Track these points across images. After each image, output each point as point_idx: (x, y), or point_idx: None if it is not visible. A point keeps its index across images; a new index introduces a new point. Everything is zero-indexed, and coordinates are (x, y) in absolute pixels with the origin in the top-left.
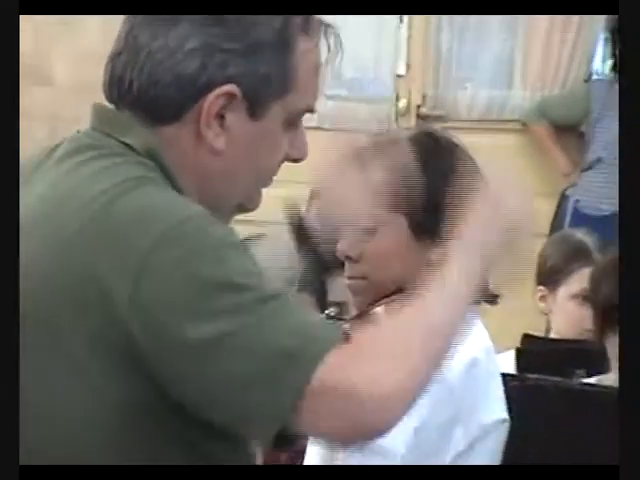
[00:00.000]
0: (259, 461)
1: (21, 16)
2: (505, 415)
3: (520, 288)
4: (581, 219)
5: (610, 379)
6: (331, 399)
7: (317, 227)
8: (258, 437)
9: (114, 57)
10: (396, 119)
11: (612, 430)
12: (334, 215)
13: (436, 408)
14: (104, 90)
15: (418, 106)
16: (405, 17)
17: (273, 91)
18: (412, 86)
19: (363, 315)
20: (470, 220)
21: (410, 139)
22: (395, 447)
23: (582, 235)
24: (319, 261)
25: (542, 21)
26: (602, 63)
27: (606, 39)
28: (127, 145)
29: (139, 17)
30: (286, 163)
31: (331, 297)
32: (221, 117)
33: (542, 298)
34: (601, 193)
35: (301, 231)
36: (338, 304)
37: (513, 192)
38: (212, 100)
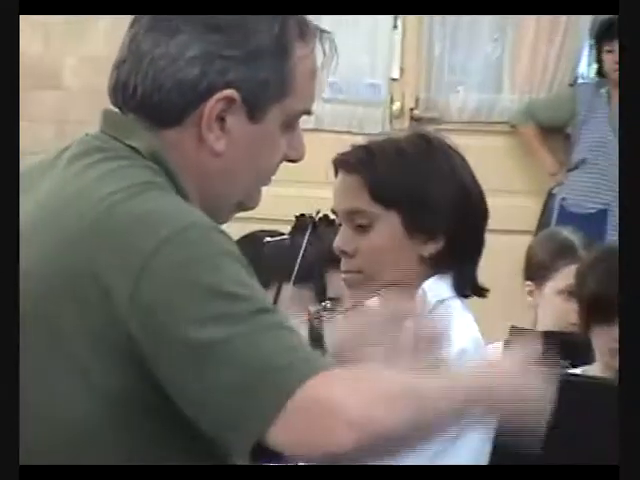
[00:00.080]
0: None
1: (32, 21)
2: None
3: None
4: (567, 217)
5: (594, 369)
6: (309, 416)
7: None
8: (235, 447)
9: (119, 64)
10: (390, 121)
11: (596, 417)
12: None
13: None
14: (109, 95)
15: (411, 109)
16: (399, 23)
17: (271, 95)
18: (406, 89)
19: (356, 307)
20: (498, 368)
21: (404, 140)
22: None
23: (568, 233)
24: (319, 256)
25: (530, 28)
26: (587, 67)
27: (591, 45)
28: (133, 148)
29: (142, 26)
30: (285, 163)
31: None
32: (221, 120)
33: (530, 293)
34: (586, 192)
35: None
36: (333, 299)
37: (536, 382)
38: (213, 104)
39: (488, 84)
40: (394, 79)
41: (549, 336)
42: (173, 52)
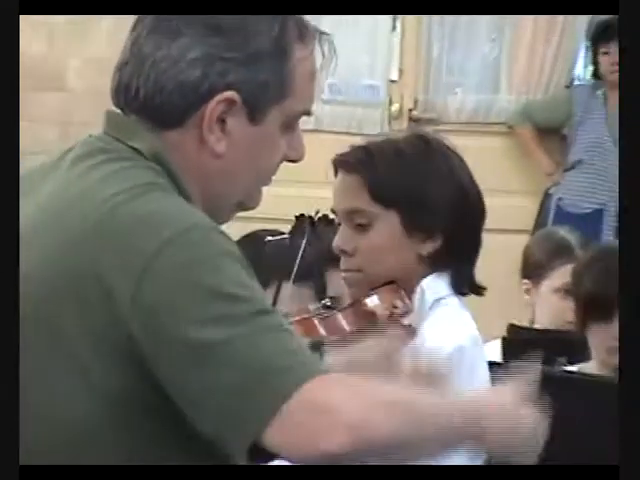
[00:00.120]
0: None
1: (36, 23)
2: None
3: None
4: (563, 216)
5: (590, 367)
6: (305, 419)
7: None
8: (232, 447)
9: (121, 67)
10: (389, 122)
11: (592, 412)
12: None
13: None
14: (112, 97)
15: (410, 110)
16: (398, 26)
17: (271, 97)
18: (404, 91)
19: (355, 304)
20: (494, 399)
21: (403, 141)
22: None
23: (564, 232)
24: (319, 255)
25: (527, 29)
26: (583, 69)
27: (587, 47)
28: (135, 149)
29: (144, 28)
30: (285, 163)
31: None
32: (222, 122)
33: (527, 291)
34: (582, 192)
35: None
36: (333, 298)
37: (529, 417)
38: (213, 106)
39: (485, 85)
40: (393, 81)
41: (546, 333)
42: (174, 54)
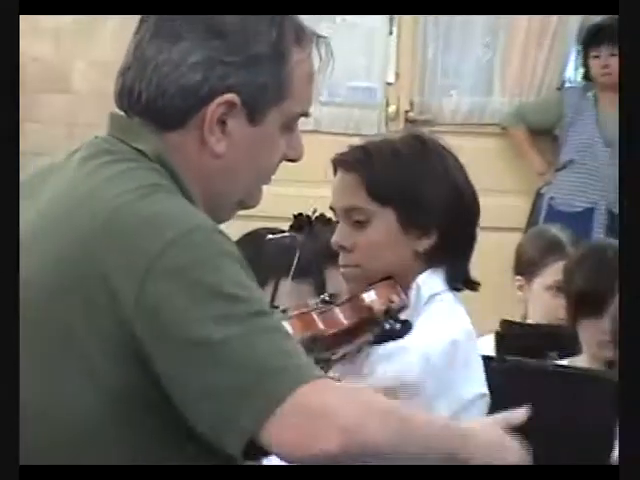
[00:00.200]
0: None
1: (42, 25)
2: (485, 390)
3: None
4: (555, 215)
5: (581, 361)
6: (298, 422)
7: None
8: (228, 446)
9: (124, 71)
10: (386, 123)
11: (583, 405)
12: None
13: (420, 384)
14: (115, 100)
15: (406, 111)
16: (394, 29)
17: (270, 98)
18: (401, 93)
19: (353, 299)
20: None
21: (400, 141)
22: None
23: (556, 230)
24: (317, 252)
25: (520, 31)
26: (574, 72)
27: (578, 51)
28: (139, 151)
29: (146, 33)
30: (284, 162)
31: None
32: (223, 123)
33: (520, 287)
34: (574, 191)
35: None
36: (332, 295)
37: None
38: (214, 108)
39: (480, 88)
40: (389, 83)
41: (538, 328)
42: (176, 58)
